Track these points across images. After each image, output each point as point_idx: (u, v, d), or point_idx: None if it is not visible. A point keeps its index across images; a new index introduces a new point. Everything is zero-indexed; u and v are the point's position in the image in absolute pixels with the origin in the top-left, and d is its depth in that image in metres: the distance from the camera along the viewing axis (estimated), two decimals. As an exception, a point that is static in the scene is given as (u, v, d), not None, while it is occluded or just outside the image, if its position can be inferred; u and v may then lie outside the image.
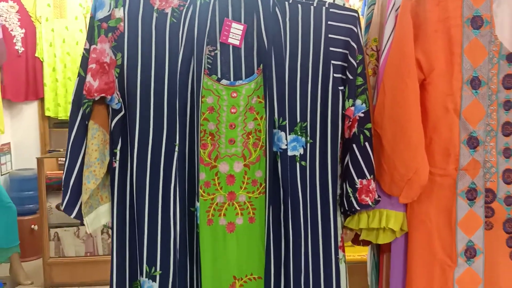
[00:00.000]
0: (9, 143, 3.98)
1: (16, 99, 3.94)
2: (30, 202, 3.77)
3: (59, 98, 3.96)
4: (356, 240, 1.35)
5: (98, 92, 1.04)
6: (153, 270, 1.09)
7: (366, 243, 1.33)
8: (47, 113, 3.97)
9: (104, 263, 3.36)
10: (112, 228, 1.12)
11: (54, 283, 3.31)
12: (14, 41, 3.85)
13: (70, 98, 3.87)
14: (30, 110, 4.10)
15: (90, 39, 1.07)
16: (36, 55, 3.93)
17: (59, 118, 4.00)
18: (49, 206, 3.37)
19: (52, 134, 4.15)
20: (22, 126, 4.11)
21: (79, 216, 1.09)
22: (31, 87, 3.97)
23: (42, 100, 3.99)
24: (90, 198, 1.08)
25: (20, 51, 3.88)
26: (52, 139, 4.15)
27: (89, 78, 1.04)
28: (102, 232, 3.49)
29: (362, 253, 2.51)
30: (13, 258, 3.31)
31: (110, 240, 3.45)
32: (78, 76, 1.07)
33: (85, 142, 1.08)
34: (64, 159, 3.33)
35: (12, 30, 3.84)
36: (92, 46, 1.06)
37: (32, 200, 3.76)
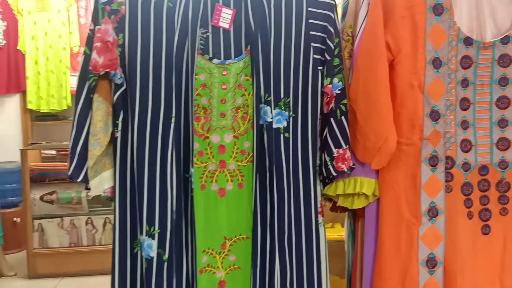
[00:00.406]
0: (-10, 136, 3.98)
1: (-2, 92, 3.95)
2: (12, 194, 3.78)
3: (41, 91, 3.96)
4: (334, 208, 1.49)
5: (103, 67, 1.15)
6: (152, 229, 1.21)
7: (343, 210, 1.47)
8: (29, 106, 3.98)
9: (88, 253, 3.42)
10: (114, 192, 1.23)
11: (38, 274, 3.33)
12: (-4, 33, 3.86)
13: (53, 91, 3.93)
14: (12, 103, 4.11)
15: (95, 20, 1.18)
16: (18, 48, 3.93)
17: (41, 111, 4.02)
18: (32, 198, 3.39)
19: (34, 127, 4.16)
20: (3, 119, 4.10)
21: (85, 179, 1.20)
22: (13, 80, 3.97)
23: (24, 93, 4.00)
24: (95, 164, 1.19)
25: (1, 44, 3.88)
26: (34, 132, 4.16)
27: (94, 55, 1.15)
28: (86, 223, 3.54)
29: (340, 233, 2.67)
30: (-4, 249, 3.33)
31: (94, 231, 3.51)
32: (83, 54, 1.18)
33: (90, 113, 1.19)
34: (47, 151, 3.37)
35: (-7, 23, 3.85)
36: (97, 27, 1.17)
37: (14, 192, 3.76)
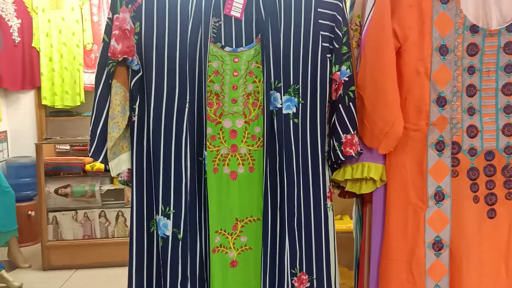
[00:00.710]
0: (5, 131, 4.06)
1: (13, 88, 4.01)
2: (27, 188, 3.84)
3: (55, 88, 4.03)
4: (343, 193, 1.53)
5: (121, 53, 1.20)
6: (167, 209, 1.26)
7: (351, 195, 1.51)
8: (43, 102, 4.05)
9: (101, 245, 3.48)
10: (131, 174, 1.28)
11: (52, 266, 3.40)
12: (11, 31, 3.92)
13: (67, 87, 4.01)
14: (27, 99, 4.18)
15: (113, 9, 1.23)
16: (33, 45, 4.00)
17: (55, 107, 4.09)
18: (47, 191, 3.46)
19: (48, 122, 4.23)
20: (18, 114, 4.18)
21: (105, 161, 1.26)
22: (27, 77, 4.04)
23: (38, 89, 4.07)
24: (113, 146, 1.25)
25: (16, 41, 3.95)
26: (48, 127, 4.24)
27: (113, 42, 1.20)
28: (99, 216, 3.61)
29: (349, 225, 2.70)
30: (11, 242, 3.39)
31: (107, 224, 3.57)
32: (102, 42, 1.24)
33: (109, 97, 1.25)
34: (61, 145, 3.44)
35: (8, 20, 3.91)
36: (115, 15, 1.22)
37: (29, 186, 3.83)
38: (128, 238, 1.29)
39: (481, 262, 1.32)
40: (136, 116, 1.27)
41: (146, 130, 1.27)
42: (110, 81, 1.24)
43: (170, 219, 1.26)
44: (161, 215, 1.26)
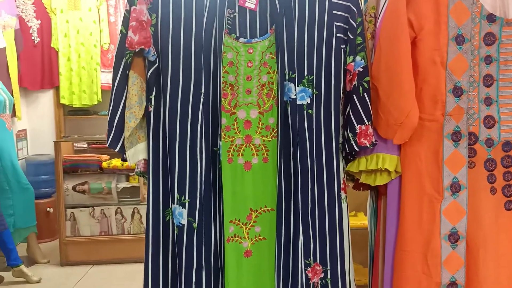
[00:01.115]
0: (25, 130, 4.13)
1: (32, 87, 4.08)
2: (45, 185, 3.90)
3: (73, 87, 4.09)
4: (357, 186, 1.52)
5: (138, 44, 1.22)
6: (183, 198, 1.27)
7: (365, 187, 1.50)
8: (62, 101, 4.11)
9: (117, 242, 3.52)
10: (147, 163, 1.30)
11: (70, 262, 3.45)
12: (30, 31, 3.98)
13: (84, 86, 4.07)
14: (46, 98, 4.24)
15: (131, 1, 1.26)
16: (52, 45, 4.06)
17: (73, 106, 4.15)
18: (65, 188, 3.51)
19: (66, 121, 4.29)
20: (37, 113, 4.25)
21: (122, 150, 1.28)
22: (46, 76, 4.10)
23: (57, 88, 4.13)
24: (130, 136, 1.27)
25: (36, 41, 4.02)
26: (66, 126, 4.30)
27: (130, 33, 1.22)
28: (116, 213, 3.65)
29: (364, 221, 2.69)
30: (30, 237, 3.45)
31: (123, 220, 3.61)
32: (120, 34, 1.26)
33: (126, 88, 1.27)
34: (79, 144, 3.51)
35: (28, 21, 3.98)
36: (132, 7, 1.24)
37: (48, 184, 3.89)
38: (144, 235, 1.31)
39: (498, 254, 1.30)
40: (152, 107, 1.29)
41: (162, 120, 1.29)
42: (127, 71, 1.26)
43: (185, 208, 1.27)
44: (177, 204, 1.27)
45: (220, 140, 1.28)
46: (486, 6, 1.29)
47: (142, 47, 1.24)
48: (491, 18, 1.28)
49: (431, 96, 1.30)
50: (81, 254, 3.48)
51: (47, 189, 3.91)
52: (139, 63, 1.27)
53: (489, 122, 1.31)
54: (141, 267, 1.34)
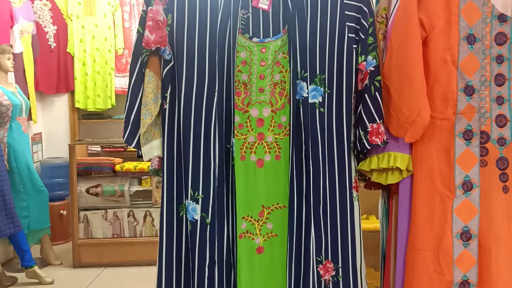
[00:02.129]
0: (40, 133, 4.19)
1: (48, 91, 4.14)
2: (59, 188, 3.94)
3: (88, 91, 4.15)
4: (368, 185, 1.53)
5: (154, 43, 1.26)
6: (196, 194, 1.29)
7: (377, 186, 1.51)
8: (76, 105, 4.17)
9: (129, 244, 3.55)
10: (162, 159, 1.33)
11: (82, 263, 3.48)
12: (47, 37, 4.06)
13: (99, 91, 4.14)
14: (61, 102, 4.30)
15: (147, 2, 1.29)
16: (67, 50, 4.13)
17: (88, 110, 4.21)
18: (79, 190, 3.55)
19: (80, 125, 4.35)
20: (53, 117, 4.31)
21: (138, 146, 1.31)
22: (62, 81, 4.17)
23: (72, 92, 4.19)
24: (145, 132, 1.30)
25: (52, 47, 4.09)
26: (80, 129, 4.35)
27: (147, 33, 1.25)
28: (128, 215, 3.68)
29: (375, 224, 2.69)
30: (44, 239, 3.49)
31: (135, 223, 3.64)
32: (137, 33, 1.30)
33: (142, 86, 1.30)
34: (92, 147, 3.56)
35: (45, 27, 4.05)
36: (149, 7, 1.28)
37: (62, 186, 3.93)
38: (155, 237, 1.34)
39: (510, 253, 1.30)
40: (167, 104, 1.32)
41: (177, 117, 1.32)
42: (144, 70, 1.29)
43: (198, 204, 1.29)
44: (190, 200, 1.29)
45: (234, 137, 1.30)
46: (497, 6, 1.30)
47: (158, 46, 1.27)
48: (502, 18, 1.29)
49: (442, 95, 1.31)
50: (94, 256, 3.51)
51: (60, 192, 3.96)
52: (155, 61, 1.31)
53: (501, 121, 1.31)
54: (153, 269, 1.36)
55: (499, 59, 1.31)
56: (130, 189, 3.63)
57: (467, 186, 1.32)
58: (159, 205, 1.36)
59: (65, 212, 3.90)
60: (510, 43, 1.30)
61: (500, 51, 1.30)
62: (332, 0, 1.34)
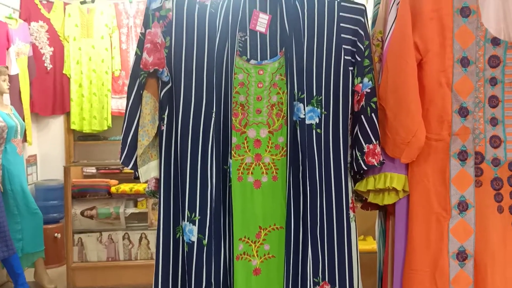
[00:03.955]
0: (35, 155, 4.17)
1: (44, 113, 4.14)
2: (54, 211, 3.91)
3: (84, 113, 4.15)
4: (365, 206, 1.53)
5: (152, 65, 1.27)
6: (193, 215, 1.29)
7: (374, 207, 1.52)
8: (72, 127, 4.16)
9: (124, 268, 3.52)
10: (159, 181, 1.33)
11: (77, 287, 3.43)
12: (43, 58, 4.08)
13: (95, 112, 4.15)
14: (56, 123, 4.30)
15: (146, 25, 1.31)
16: (64, 72, 4.15)
17: (83, 132, 4.21)
18: (74, 212, 3.53)
19: (76, 146, 4.34)
20: (48, 139, 4.30)
21: (135, 167, 1.31)
22: (58, 102, 4.17)
23: (68, 114, 4.19)
24: (143, 154, 1.30)
25: (48, 68, 4.10)
26: (76, 151, 4.34)
27: (145, 55, 1.27)
28: (123, 238, 3.65)
29: (372, 245, 2.68)
30: (38, 263, 3.44)
31: (130, 246, 3.61)
32: (135, 55, 1.31)
33: (140, 107, 1.31)
34: (88, 169, 3.56)
35: (41, 48, 4.07)
36: (147, 30, 1.30)
37: (56, 209, 3.90)
38: (151, 260, 1.33)
39: (506, 273, 1.30)
40: (165, 125, 1.32)
41: (174, 139, 1.32)
42: (141, 91, 1.31)
43: (195, 225, 1.29)
44: (187, 221, 1.29)
45: (231, 158, 1.30)
46: (491, 30, 1.33)
47: (156, 68, 1.28)
48: (495, 41, 1.32)
49: (437, 116, 1.32)
50: (88, 280, 3.47)
51: (55, 214, 3.92)
52: (152, 83, 1.32)
53: (495, 142, 1.33)
54: (147, 293, 1.35)
55: (493, 81, 1.33)
56: (126, 211, 3.61)
57: (463, 206, 1.32)
58: (155, 228, 1.36)
59: (59, 235, 3.86)
60: (503, 65, 1.32)
61: (493, 74, 1.33)
62: (329, 23, 1.36)
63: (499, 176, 1.33)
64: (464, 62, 1.32)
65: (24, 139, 3.65)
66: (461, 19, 1.32)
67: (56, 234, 3.86)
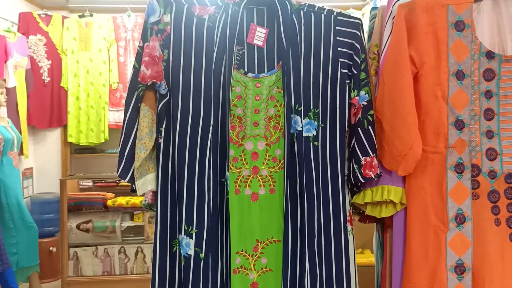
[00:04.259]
0: (31, 168, 4.15)
1: (41, 126, 4.13)
2: (49, 224, 3.88)
3: (81, 125, 4.15)
4: (363, 218, 1.53)
5: (150, 78, 1.28)
6: (190, 228, 1.28)
7: (371, 220, 1.51)
8: (69, 139, 4.16)
9: (120, 282, 3.48)
10: (156, 193, 1.32)
11: (72, 302, 3.41)
12: (41, 71, 4.08)
13: (92, 125, 4.14)
14: (53, 136, 4.29)
15: (144, 38, 1.32)
16: (61, 84, 4.15)
17: (80, 144, 4.20)
18: (69, 226, 3.50)
19: (72, 159, 4.33)
20: (44, 152, 4.28)
21: (132, 180, 1.31)
22: (55, 115, 4.17)
23: (65, 127, 4.19)
24: (140, 166, 1.30)
25: (46, 81, 4.11)
26: (72, 164, 4.33)
27: (143, 68, 1.28)
28: (119, 252, 3.62)
29: (370, 258, 2.68)
30: (33, 277, 3.41)
31: (126, 260, 3.58)
32: (133, 68, 1.32)
33: (137, 120, 1.31)
34: (84, 182, 3.55)
35: (39, 61, 4.09)
36: (146, 43, 1.30)
37: (51, 222, 3.87)
38: (147, 275, 1.32)
39: (504, 286, 1.29)
40: (162, 138, 1.32)
41: (171, 151, 1.32)
42: (139, 104, 1.31)
43: (192, 238, 1.28)
44: (184, 234, 1.28)
45: (228, 171, 1.30)
46: (485, 44, 1.34)
47: (154, 81, 1.29)
48: (490, 55, 1.33)
49: (433, 128, 1.33)
50: (83, 294, 3.44)
51: (50, 228, 3.89)
52: (150, 96, 1.32)
53: (491, 154, 1.34)
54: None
55: (488, 94, 1.34)
56: (122, 224, 3.59)
57: (460, 219, 1.32)
58: (151, 241, 1.35)
59: (54, 249, 3.83)
60: (498, 79, 1.34)
61: (488, 87, 1.34)
62: (325, 37, 1.38)
63: (496, 189, 1.33)
64: (459, 75, 1.33)
65: (21, 152, 3.63)
66: (456, 33, 1.34)
67: (51, 248, 3.83)
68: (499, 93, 1.34)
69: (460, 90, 1.33)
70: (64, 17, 4.18)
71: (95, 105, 4.17)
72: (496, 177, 1.33)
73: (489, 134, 1.34)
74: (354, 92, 1.37)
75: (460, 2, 1.33)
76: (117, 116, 4.18)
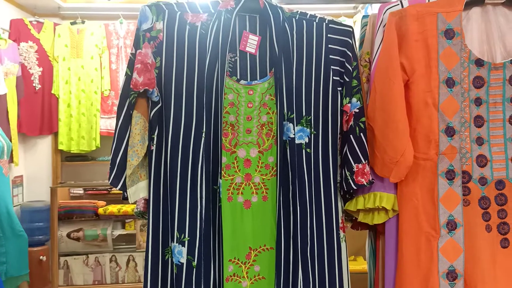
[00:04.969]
0: (21, 176, 4.11)
1: (31, 133, 4.09)
2: (39, 233, 3.82)
3: (72, 133, 4.12)
4: (355, 225, 1.54)
5: (142, 85, 1.27)
6: (182, 236, 1.28)
7: (363, 227, 1.52)
8: (60, 147, 4.12)
9: (111, 292, 3.46)
10: (148, 201, 1.31)
11: (62, 311, 3.37)
12: (32, 78, 4.05)
13: (83, 132, 4.11)
14: (44, 144, 4.25)
15: (136, 45, 1.32)
16: (52, 92, 4.12)
17: (71, 152, 4.17)
18: (60, 235, 3.47)
19: (63, 167, 4.29)
20: (35, 159, 4.24)
21: (123, 188, 1.30)
22: (46, 122, 4.14)
23: (55, 134, 4.16)
24: (132, 174, 1.29)
25: (37, 88, 4.08)
26: (63, 172, 4.29)
27: (135, 75, 1.27)
28: (110, 261, 3.59)
29: (363, 265, 2.68)
30: (22, 286, 3.35)
31: (117, 269, 3.55)
32: (125, 75, 1.32)
33: (129, 127, 1.30)
34: (75, 190, 3.53)
35: (30, 69, 4.06)
36: (138, 51, 1.30)
37: (41, 231, 3.82)
38: (138, 284, 1.31)
39: (496, 292, 1.30)
40: (154, 145, 1.32)
41: (164, 159, 1.32)
42: (131, 111, 1.30)
43: (184, 246, 1.27)
44: (176, 242, 1.27)
45: (221, 178, 1.30)
46: (474, 52, 1.36)
47: (146, 88, 1.29)
48: (479, 62, 1.35)
49: (424, 136, 1.34)
50: (73, 303, 3.41)
51: (40, 237, 3.84)
52: (142, 103, 1.32)
53: (482, 161, 1.35)
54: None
55: (478, 102, 1.36)
56: (113, 233, 3.56)
57: (451, 225, 1.33)
58: (143, 249, 1.34)
59: (44, 258, 3.78)
60: (488, 86, 1.35)
61: (478, 94, 1.36)
62: (317, 44, 1.39)
63: (487, 195, 1.34)
64: (450, 82, 1.35)
65: (11, 160, 3.60)
66: (446, 41, 1.35)
67: (41, 257, 3.78)
68: (488, 100, 1.36)
69: (451, 97, 1.35)
70: (55, 24, 4.16)
71: (86, 112, 4.14)
72: (486, 183, 1.34)
73: (479, 141, 1.35)
74: (346, 99, 1.38)
75: (450, 11, 1.35)
76: (109, 124, 4.16)
